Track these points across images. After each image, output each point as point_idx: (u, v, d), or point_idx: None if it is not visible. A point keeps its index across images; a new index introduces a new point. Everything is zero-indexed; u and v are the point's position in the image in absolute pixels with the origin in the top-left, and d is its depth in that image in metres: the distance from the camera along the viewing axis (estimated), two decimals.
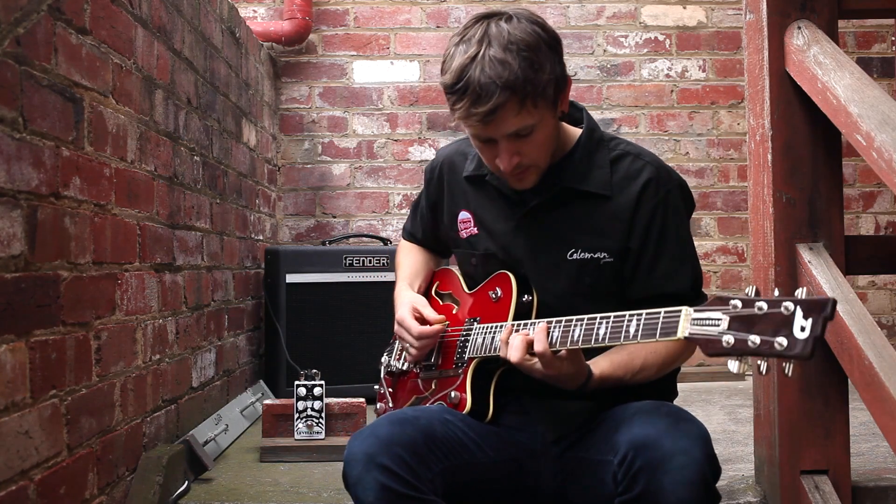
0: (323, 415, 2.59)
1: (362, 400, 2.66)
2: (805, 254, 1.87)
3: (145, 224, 2.17)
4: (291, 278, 3.44)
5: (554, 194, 1.68)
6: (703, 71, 4.28)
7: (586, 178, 1.68)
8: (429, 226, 1.97)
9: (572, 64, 4.24)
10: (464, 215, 1.83)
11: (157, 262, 2.26)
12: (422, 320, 1.79)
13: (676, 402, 1.76)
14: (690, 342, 1.32)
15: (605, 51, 4.27)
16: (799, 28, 1.89)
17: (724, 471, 2.18)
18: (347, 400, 2.66)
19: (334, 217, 4.21)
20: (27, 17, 1.55)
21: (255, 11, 4.20)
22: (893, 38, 4.31)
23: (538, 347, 1.52)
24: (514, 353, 1.54)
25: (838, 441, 1.89)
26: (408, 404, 1.83)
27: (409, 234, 2.06)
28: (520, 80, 1.51)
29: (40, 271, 1.60)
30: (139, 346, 2.11)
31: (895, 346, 1.64)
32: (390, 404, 1.90)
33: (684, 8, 4.29)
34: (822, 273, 1.81)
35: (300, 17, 4.06)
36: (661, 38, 4.28)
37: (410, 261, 2.00)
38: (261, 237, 3.72)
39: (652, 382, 1.66)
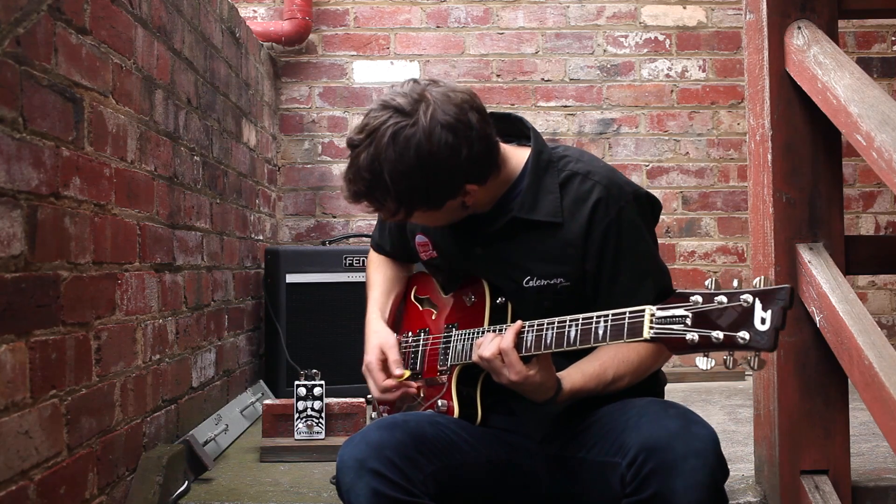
0: (323, 415, 2.59)
1: (362, 400, 2.66)
2: (805, 254, 1.87)
3: (145, 224, 2.17)
4: (291, 278, 3.44)
5: (504, 224, 1.67)
6: (703, 71, 4.28)
7: (535, 207, 1.65)
8: (397, 239, 1.96)
9: (572, 64, 4.25)
10: (420, 238, 1.83)
11: (157, 262, 2.26)
12: (386, 366, 1.79)
13: (676, 401, 1.76)
14: (656, 342, 1.32)
15: (605, 51, 4.27)
16: (799, 28, 1.89)
17: None
18: (347, 400, 2.66)
19: (334, 217, 4.21)
20: (27, 17, 1.55)
21: (255, 11, 4.20)
22: (893, 38, 4.31)
23: (502, 344, 1.52)
24: (483, 350, 1.55)
25: (838, 441, 1.89)
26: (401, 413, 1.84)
27: (377, 246, 2.02)
28: (365, 194, 1.57)
29: (40, 271, 1.60)
30: (139, 346, 2.11)
31: (895, 346, 1.64)
32: (384, 414, 1.90)
33: (684, 8, 4.29)
34: (822, 273, 1.81)
35: (300, 17, 4.06)
36: (661, 38, 4.28)
37: (381, 278, 1.97)
38: (261, 237, 3.72)
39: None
